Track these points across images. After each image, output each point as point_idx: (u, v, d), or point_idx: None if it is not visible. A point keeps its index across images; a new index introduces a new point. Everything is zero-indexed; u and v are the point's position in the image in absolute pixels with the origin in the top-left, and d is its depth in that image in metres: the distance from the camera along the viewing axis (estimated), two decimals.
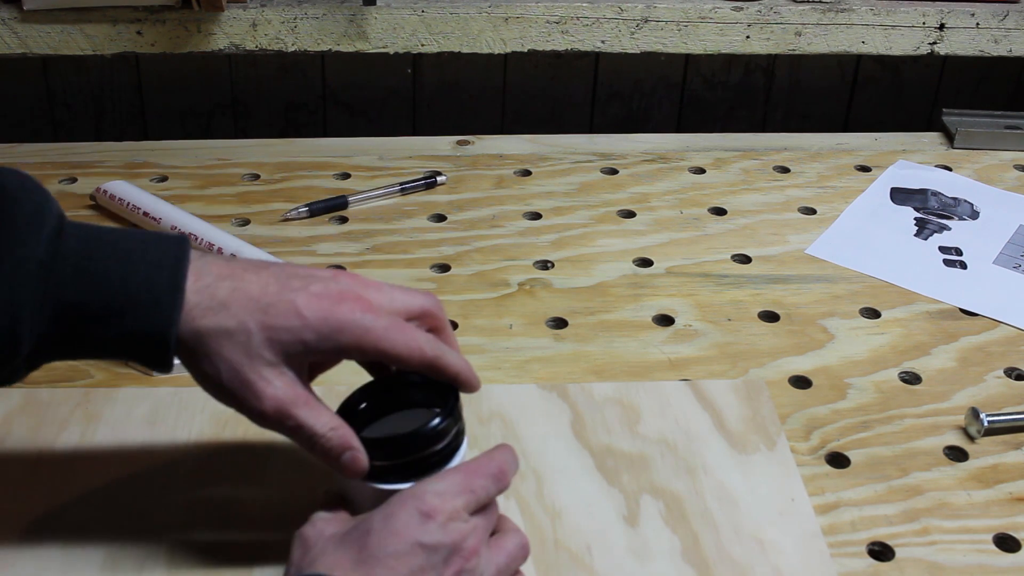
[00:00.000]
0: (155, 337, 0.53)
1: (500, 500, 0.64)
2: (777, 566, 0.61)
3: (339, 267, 0.85)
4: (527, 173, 1.00)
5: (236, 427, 0.68)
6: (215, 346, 0.53)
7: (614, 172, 1.01)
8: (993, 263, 0.90)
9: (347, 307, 0.54)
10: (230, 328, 0.53)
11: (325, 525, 0.54)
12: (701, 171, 1.01)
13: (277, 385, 0.54)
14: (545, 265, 0.87)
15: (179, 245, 0.54)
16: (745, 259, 0.89)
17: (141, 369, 0.73)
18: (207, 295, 0.54)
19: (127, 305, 0.52)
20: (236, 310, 0.54)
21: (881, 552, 0.63)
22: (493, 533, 0.57)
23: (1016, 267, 0.89)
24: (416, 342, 0.55)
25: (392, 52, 1.09)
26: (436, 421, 0.56)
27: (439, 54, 1.11)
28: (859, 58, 1.25)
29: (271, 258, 0.81)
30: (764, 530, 0.63)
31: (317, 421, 0.54)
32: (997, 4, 1.13)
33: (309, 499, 0.59)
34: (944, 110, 1.10)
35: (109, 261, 0.53)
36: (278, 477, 0.65)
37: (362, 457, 0.55)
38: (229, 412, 0.69)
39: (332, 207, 0.93)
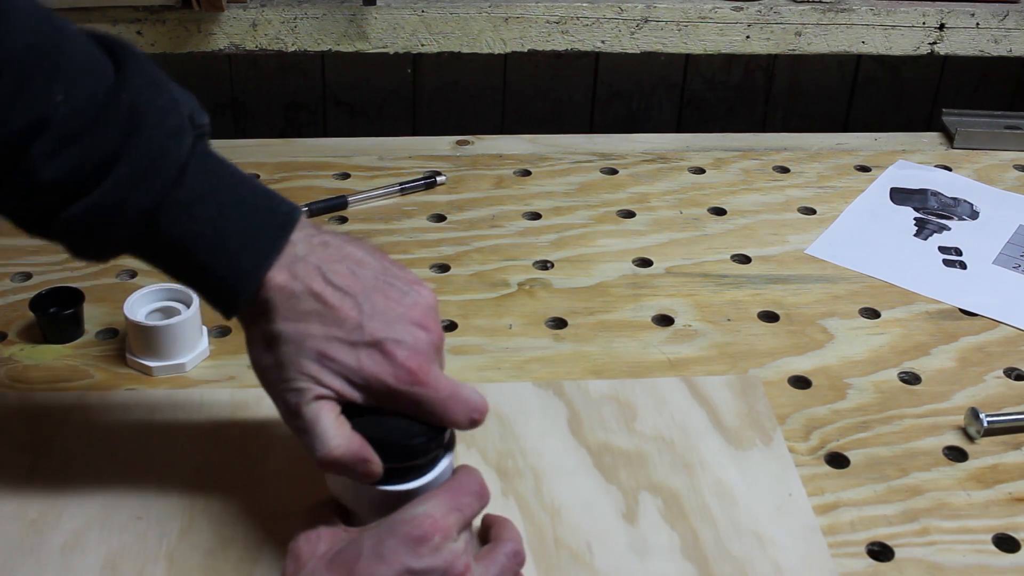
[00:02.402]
0: (230, 286, 0.55)
1: (500, 499, 0.64)
2: (776, 561, 0.61)
3: None
4: (527, 173, 1.00)
5: (232, 429, 0.68)
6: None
7: (614, 172, 1.01)
8: (993, 263, 0.90)
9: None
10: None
11: (319, 541, 0.54)
12: (701, 171, 1.01)
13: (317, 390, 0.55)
14: (545, 265, 0.87)
15: (289, 213, 0.56)
16: (745, 259, 0.89)
17: (141, 369, 0.73)
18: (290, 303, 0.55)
19: (218, 258, 0.55)
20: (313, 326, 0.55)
21: (881, 552, 0.63)
22: (487, 542, 0.57)
23: (1016, 267, 0.89)
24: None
25: (392, 52, 1.09)
26: (444, 431, 0.57)
27: (439, 54, 1.11)
28: (859, 58, 1.25)
29: None
30: (762, 525, 0.63)
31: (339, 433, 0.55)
32: (997, 4, 1.13)
33: (306, 500, 0.59)
34: (944, 110, 1.10)
35: (214, 214, 0.55)
36: (275, 478, 0.65)
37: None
38: (225, 414, 0.70)
39: (332, 207, 0.93)
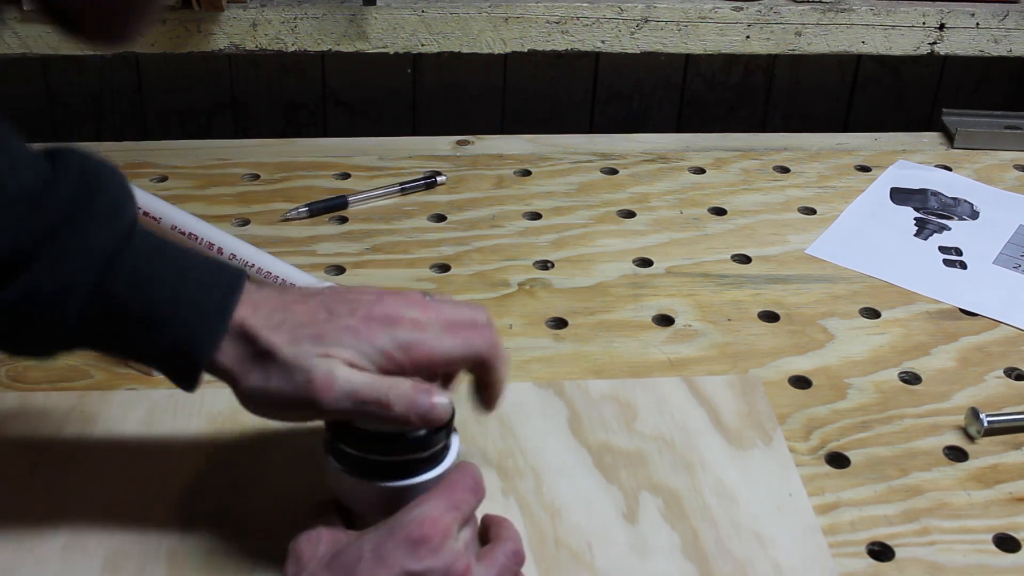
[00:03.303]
0: (188, 355, 0.54)
1: (500, 498, 0.64)
2: (776, 560, 0.61)
3: (340, 268, 0.85)
4: (527, 173, 1.00)
5: (233, 428, 0.68)
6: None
7: (614, 172, 1.01)
8: (993, 263, 0.90)
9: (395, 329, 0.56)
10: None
11: (319, 541, 0.54)
12: (701, 171, 1.01)
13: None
14: (545, 265, 0.87)
15: (235, 274, 0.56)
16: (745, 259, 0.89)
17: (142, 369, 0.73)
18: (265, 319, 0.55)
19: (170, 318, 0.54)
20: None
21: (881, 552, 0.63)
22: (486, 542, 0.57)
23: (1016, 267, 0.89)
24: (468, 341, 0.57)
25: (392, 52, 1.09)
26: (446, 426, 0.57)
27: (439, 54, 1.11)
28: (859, 58, 1.25)
29: (270, 257, 0.81)
30: (763, 525, 0.63)
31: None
32: (997, 4, 1.13)
33: (307, 500, 0.59)
34: (944, 110, 1.10)
35: (166, 273, 0.54)
36: (276, 477, 0.65)
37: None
38: (225, 413, 0.70)
39: (332, 207, 0.93)
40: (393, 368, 0.55)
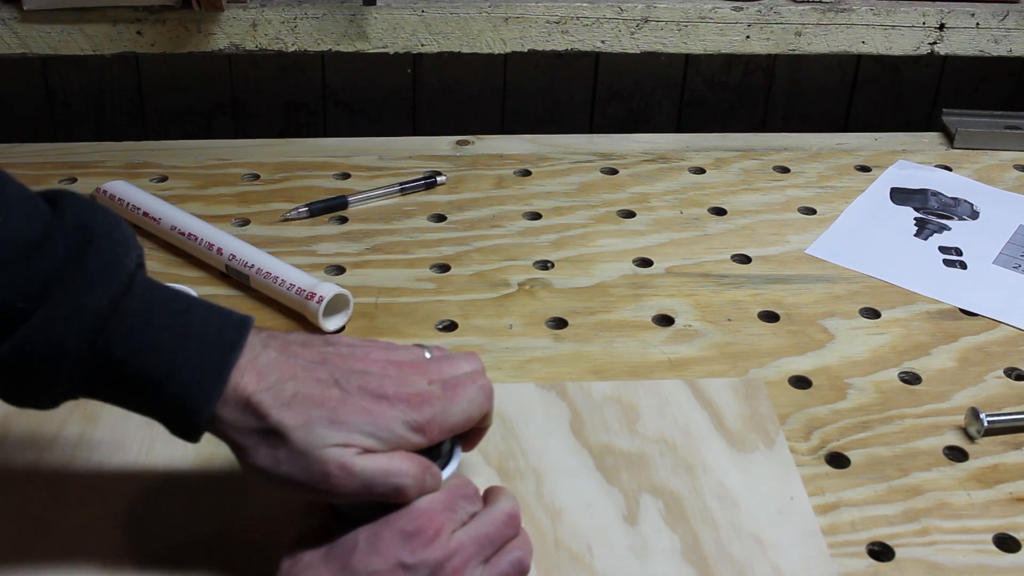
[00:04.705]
0: (187, 414, 0.53)
1: None
2: (776, 564, 0.61)
3: (340, 268, 0.85)
4: (527, 173, 1.00)
5: None
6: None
7: (614, 172, 1.01)
8: (993, 263, 0.90)
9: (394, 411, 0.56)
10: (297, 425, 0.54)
11: (315, 538, 0.55)
12: (701, 171, 1.01)
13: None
14: (545, 265, 0.87)
15: (238, 329, 0.54)
16: (745, 259, 0.89)
17: None
18: (274, 395, 0.54)
19: (168, 377, 0.52)
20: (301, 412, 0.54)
21: (881, 552, 0.63)
22: (500, 548, 0.57)
23: (1016, 267, 0.89)
24: (472, 402, 0.58)
25: (392, 52, 1.09)
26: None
27: (439, 54, 1.11)
28: (859, 58, 1.25)
29: (270, 257, 0.81)
30: (763, 528, 0.63)
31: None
32: (997, 4, 1.13)
33: (307, 499, 0.59)
34: (944, 110, 1.10)
35: (163, 331, 0.53)
36: None
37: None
38: None
39: (332, 207, 0.93)
40: (406, 447, 0.55)
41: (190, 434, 0.54)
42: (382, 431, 0.54)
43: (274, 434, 0.53)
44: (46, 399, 0.54)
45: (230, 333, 0.54)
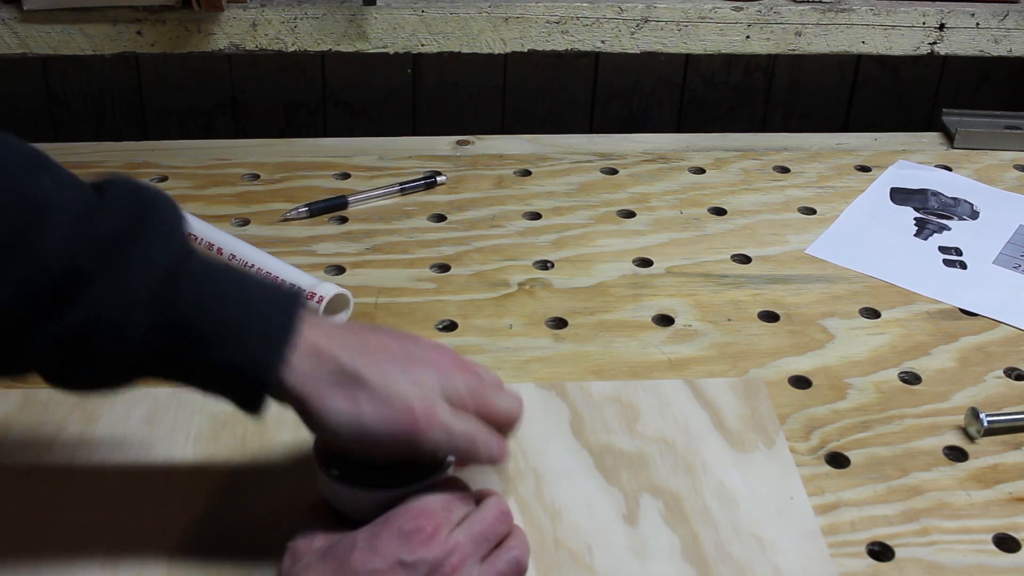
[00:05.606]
0: (255, 373, 0.52)
1: None
2: (776, 564, 0.61)
3: (340, 268, 0.85)
4: (527, 173, 1.00)
5: (235, 427, 0.68)
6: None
7: (614, 172, 1.01)
8: (993, 263, 0.90)
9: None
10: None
11: (315, 538, 0.55)
12: (701, 171, 1.01)
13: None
14: (545, 265, 0.87)
15: (295, 293, 0.55)
16: (745, 259, 0.89)
17: None
18: (342, 345, 0.54)
19: (239, 328, 0.52)
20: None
21: (881, 552, 0.63)
22: (497, 546, 0.57)
23: (1016, 267, 0.89)
24: (517, 403, 0.59)
25: (392, 52, 1.09)
26: None
27: (439, 54, 1.11)
28: (859, 58, 1.25)
29: (270, 257, 0.81)
30: (763, 528, 0.63)
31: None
32: (997, 4, 1.13)
33: (306, 500, 0.59)
34: (944, 110, 1.10)
35: (228, 289, 0.52)
36: (276, 477, 0.65)
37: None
38: (227, 412, 0.69)
39: (332, 207, 0.93)
40: (462, 411, 0.55)
41: (256, 396, 0.53)
42: (447, 383, 0.55)
43: (352, 377, 0.52)
44: (107, 375, 0.53)
45: (288, 292, 0.54)
